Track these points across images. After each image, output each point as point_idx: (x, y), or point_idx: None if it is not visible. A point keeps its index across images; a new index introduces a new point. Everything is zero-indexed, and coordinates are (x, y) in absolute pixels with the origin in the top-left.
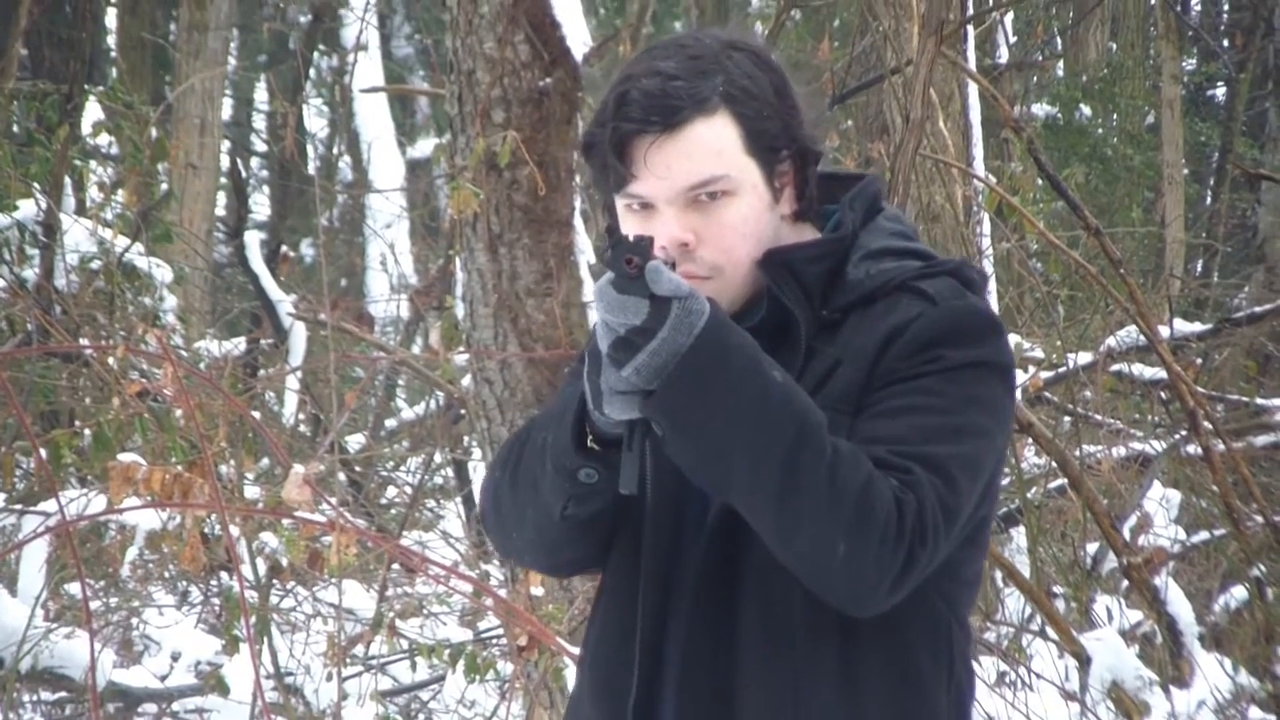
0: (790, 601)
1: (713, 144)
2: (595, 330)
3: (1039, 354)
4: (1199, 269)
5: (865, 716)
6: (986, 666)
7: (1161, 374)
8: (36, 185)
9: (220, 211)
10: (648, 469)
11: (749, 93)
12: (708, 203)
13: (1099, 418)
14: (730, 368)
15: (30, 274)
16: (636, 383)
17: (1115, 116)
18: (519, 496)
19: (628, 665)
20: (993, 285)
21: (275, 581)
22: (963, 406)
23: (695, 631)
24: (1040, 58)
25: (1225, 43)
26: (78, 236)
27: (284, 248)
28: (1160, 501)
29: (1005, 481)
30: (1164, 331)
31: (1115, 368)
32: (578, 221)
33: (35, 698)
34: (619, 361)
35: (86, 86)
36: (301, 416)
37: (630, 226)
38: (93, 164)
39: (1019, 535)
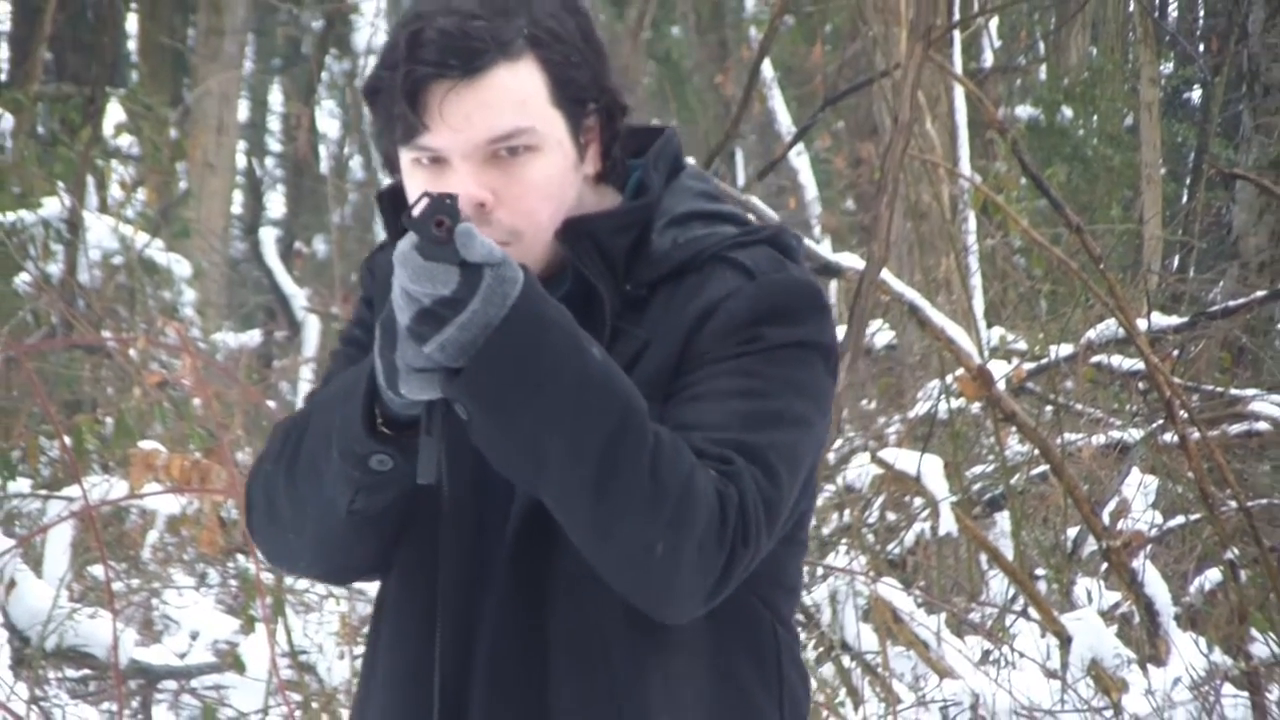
0: (606, 609)
1: (516, 93)
2: (391, 300)
3: (1022, 346)
4: (1176, 265)
5: None
6: (971, 645)
7: (1139, 365)
8: (61, 184)
9: (236, 209)
10: (447, 457)
11: (556, 36)
12: (508, 159)
13: (1079, 407)
14: (546, 344)
15: (55, 269)
16: (440, 360)
17: (1095, 118)
18: (298, 491)
19: (426, 687)
20: (978, 280)
21: None
22: (783, 391)
23: (501, 645)
24: (1023, 62)
25: (1201, 48)
26: (100, 233)
27: (297, 244)
28: (1138, 487)
29: (990, 469)
30: (1142, 325)
31: (1095, 359)
32: None
33: (60, 674)
34: (422, 336)
35: (108, 89)
36: None
37: (418, 183)
38: (114, 164)
39: (1003, 520)
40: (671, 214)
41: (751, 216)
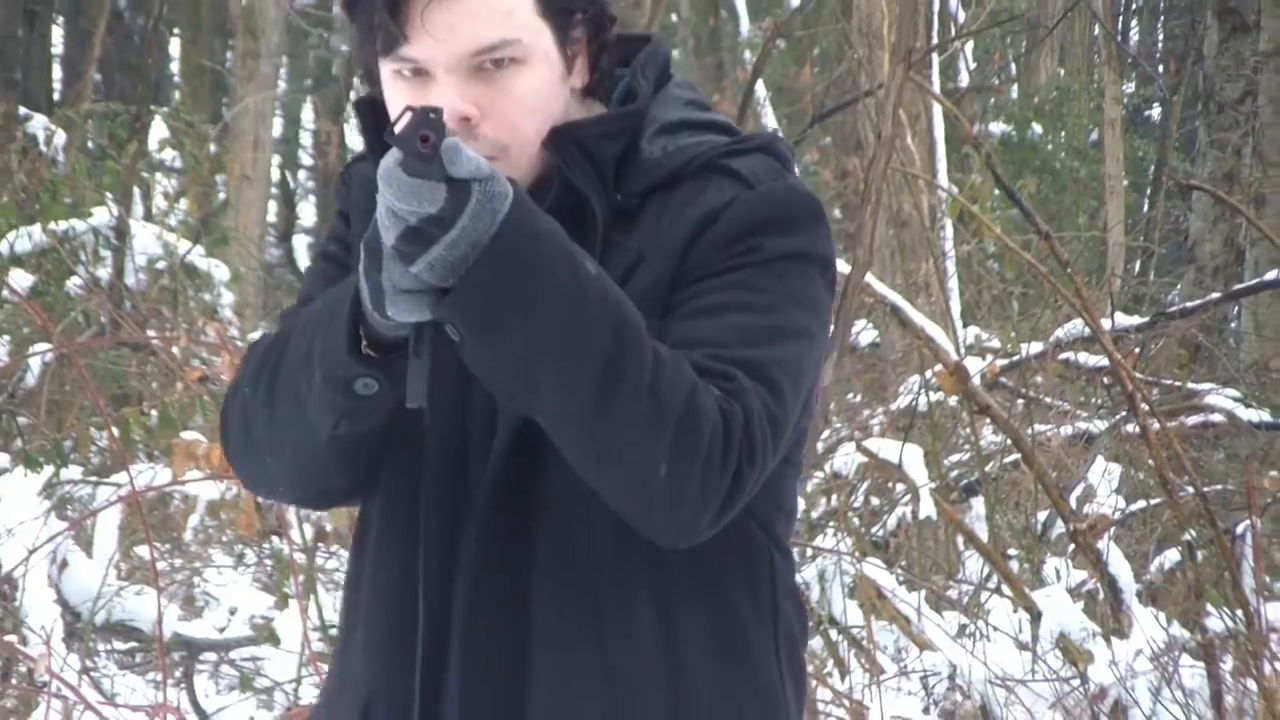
0: (594, 534)
1: (502, 3)
2: (375, 220)
3: (995, 344)
4: (1137, 269)
5: (684, 666)
6: (949, 620)
7: (1104, 362)
8: (109, 195)
9: (271, 218)
10: (434, 380)
11: None
12: (493, 71)
13: (1049, 400)
14: (539, 261)
15: (104, 273)
16: (429, 280)
17: (1063, 134)
18: (277, 416)
19: (410, 617)
20: (955, 283)
21: (321, 544)
22: (785, 304)
23: (483, 570)
24: (996, 82)
25: (1160, 69)
26: (145, 240)
27: None
28: (1103, 474)
29: (966, 457)
30: (1106, 324)
31: (1063, 356)
32: None
33: (109, 647)
34: (409, 256)
35: (152, 108)
36: None
37: (399, 97)
38: (158, 176)
39: (978, 504)
40: (661, 121)
41: None
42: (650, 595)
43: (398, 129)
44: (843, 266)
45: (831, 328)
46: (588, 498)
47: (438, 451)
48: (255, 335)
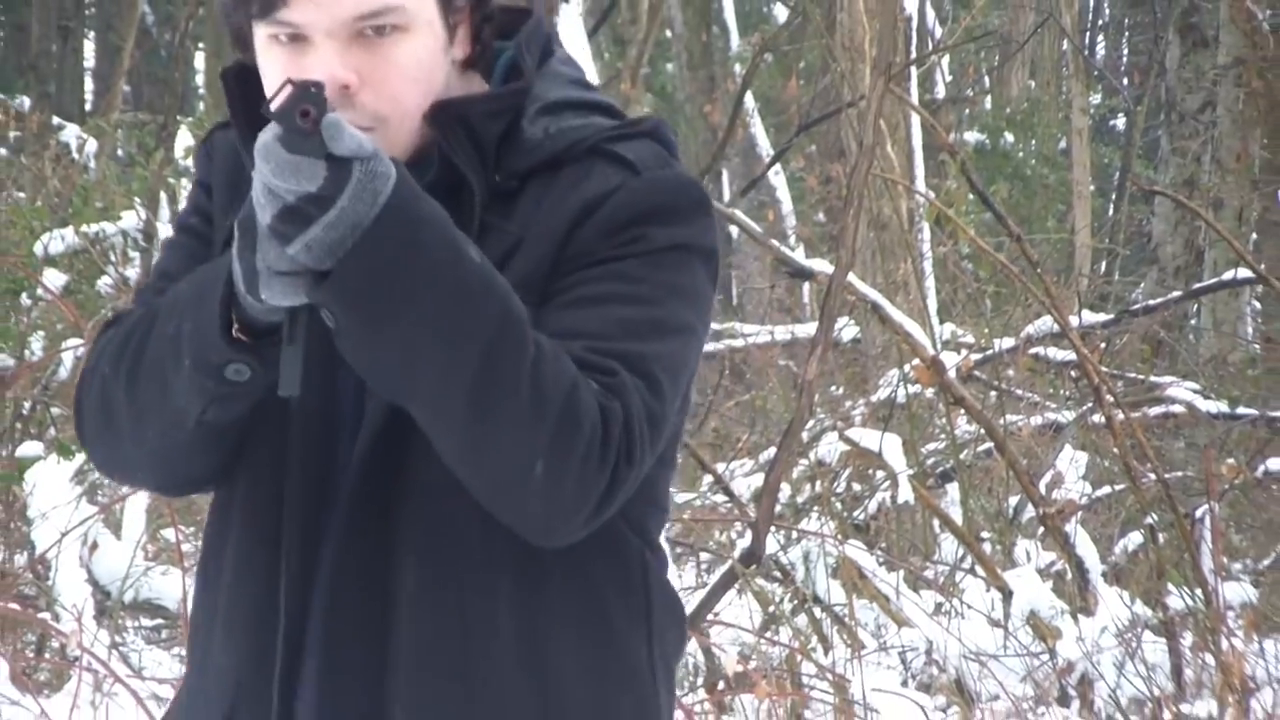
0: (461, 528)
1: None
2: (251, 198)
3: (970, 339)
4: (1103, 269)
5: (549, 660)
6: (926, 598)
7: (1071, 356)
8: (137, 199)
9: None
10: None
11: None
12: (374, 38)
13: (1019, 393)
14: (420, 245)
15: (132, 273)
16: (306, 261)
17: (1033, 142)
18: (139, 399)
19: (271, 618)
20: (931, 282)
21: None
22: (667, 297)
23: (346, 558)
24: (971, 93)
25: (1125, 81)
26: None
27: None
28: (1070, 462)
29: (942, 446)
30: (1074, 321)
31: (1033, 351)
32: None
33: (137, 623)
34: (285, 236)
35: (178, 117)
36: None
37: (275, 63)
38: (184, 182)
39: (953, 490)
40: (543, 100)
41: (734, 230)
42: (516, 589)
43: (276, 103)
44: (826, 266)
45: (823, 321)
46: (456, 490)
47: (303, 438)
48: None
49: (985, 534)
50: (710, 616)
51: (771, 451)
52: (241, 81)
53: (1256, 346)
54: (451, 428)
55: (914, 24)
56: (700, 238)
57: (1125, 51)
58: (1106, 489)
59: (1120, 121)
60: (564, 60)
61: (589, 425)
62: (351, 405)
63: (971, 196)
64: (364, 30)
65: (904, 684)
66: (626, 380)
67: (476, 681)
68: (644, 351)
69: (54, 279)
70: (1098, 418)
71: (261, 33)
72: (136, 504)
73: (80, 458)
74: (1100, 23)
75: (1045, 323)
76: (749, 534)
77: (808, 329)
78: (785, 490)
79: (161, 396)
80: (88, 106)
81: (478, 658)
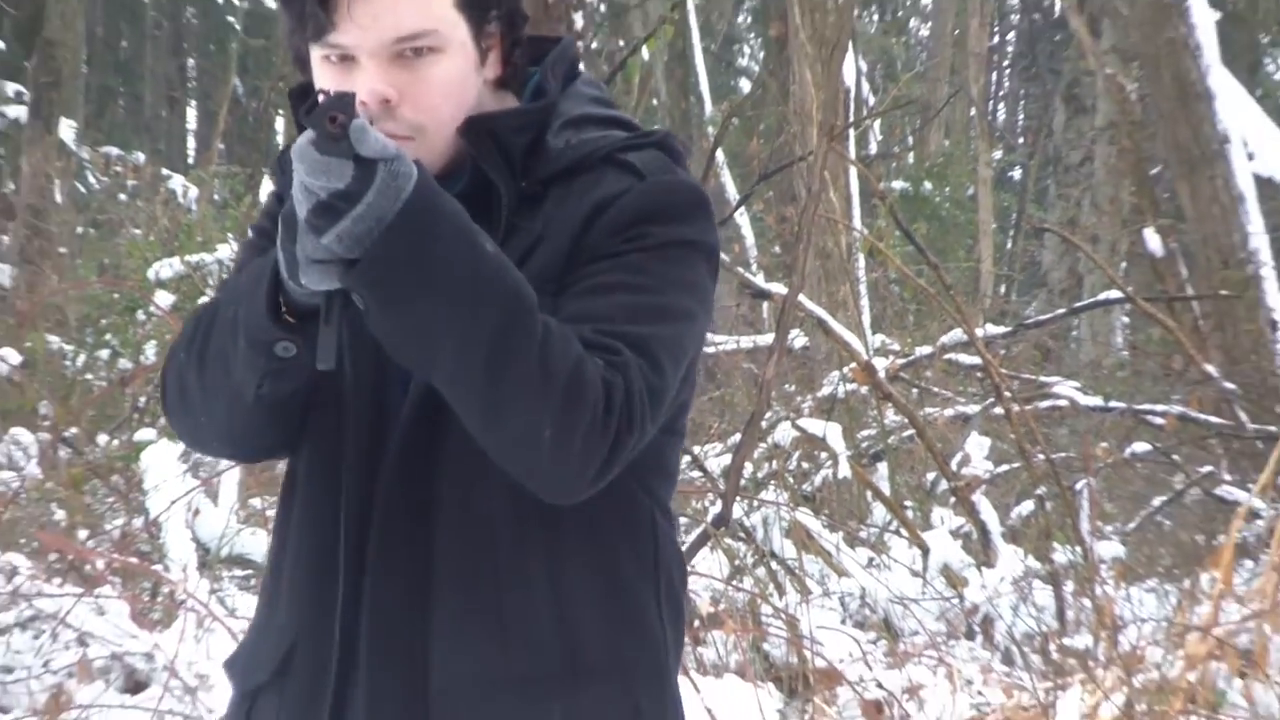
0: (492, 489)
1: None
2: (291, 195)
3: (896, 347)
4: (1003, 291)
5: (571, 609)
6: (860, 554)
7: (977, 361)
8: (230, 235)
9: None
10: (345, 344)
11: None
12: (413, 58)
13: (936, 390)
14: (440, 236)
15: None
16: (338, 251)
17: (947, 189)
18: (208, 378)
19: (331, 568)
20: (865, 301)
21: None
22: (668, 287)
23: (392, 519)
24: (897, 150)
25: (1020, 140)
26: None
27: None
28: (976, 445)
29: (873, 432)
30: (979, 332)
31: (947, 356)
32: None
33: (230, 574)
34: (319, 228)
35: (263, 169)
36: None
37: (327, 80)
38: None
39: (883, 468)
40: (567, 116)
41: None
42: (542, 546)
43: (311, 110)
44: (781, 288)
45: (714, 312)
46: (486, 455)
47: (356, 412)
48: None
49: (908, 503)
50: (688, 569)
51: (737, 437)
52: (302, 99)
53: (1125, 353)
54: (469, 398)
55: (852, 94)
56: (700, 235)
57: (1021, 116)
58: (1005, 466)
59: (1017, 172)
60: (587, 82)
61: (592, 396)
62: (399, 382)
63: (898, 233)
64: (404, 51)
65: (842, 622)
66: (629, 358)
67: (509, 629)
68: (646, 333)
69: (164, 299)
70: (998, 410)
71: (316, 54)
72: (230, 478)
73: None
74: (1001, 93)
75: (956, 334)
76: (719, 503)
77: (766, 339)
78: (748, 468)
79: (225, 374)
80: (190, 160)
81: (508, 601)
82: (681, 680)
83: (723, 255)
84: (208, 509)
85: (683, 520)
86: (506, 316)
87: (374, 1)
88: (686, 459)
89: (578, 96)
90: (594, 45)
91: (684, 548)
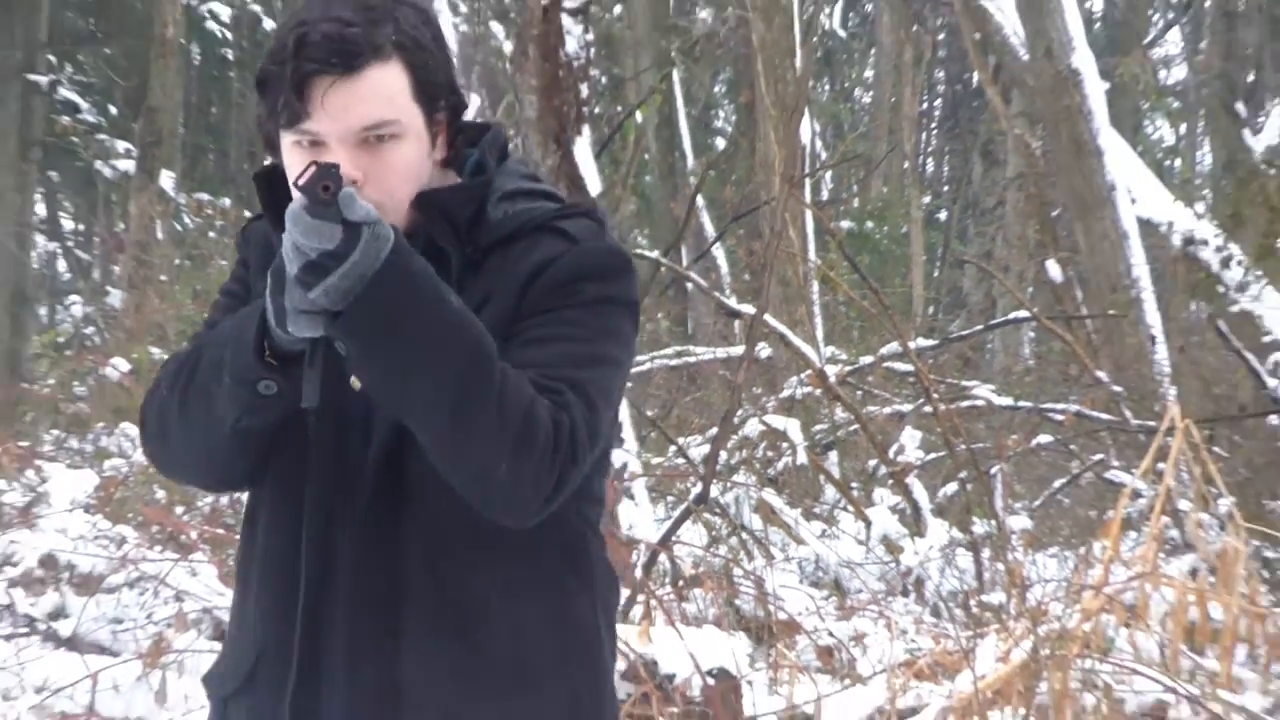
0: (452, 514)
1: (386, 89)
2: (281, 252)
3: (844, 357)
4: (931, 311)
5: (521, 615)
6: (815, 527)
7: (910, 368)
8: None
9: None
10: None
11: (418, 43)
12: (376, 144)
13: (877, 392)
14: (413, 292)
15: None
16: (324, 303)
17: (886, 228)
18: (189, 412)
19: (293, 588)
20: (819, 320)
21: None
22: (599, 337)
23: (365, 544)
24: (845, 195)
25: (945, 188)
26: None
27: None
28: (910, 437)
29: (826, 427)
30: (912, 345)
31: (885, 365)
32: None
33: None
34: (308, 284)
35: None
36: None
37: (297, 162)
38: None
39: (834, 456)
40: (502, 190)
41: (690, 285)
42: (493, 562)
43: (303, 180)
44: (750, 309)
45: (641, 348)
46: (447, 485)
47: (319, 445)
48: None
49: (854, 484)
50: (674, 538)
51: (714, 431)
52: (269, 181)
53: (1031, 362)
54: (437, 434)
55: (807, 150)
56: (624, 293)
57: (946, 168)
58: (933, 455)
59: (943, 214)
60: (518, 160)
61: (543, 435)
62: (361, 418)
63: (845, 264)
64: (369, 138)
65: (800, 582)
66: (570, 399)
67: (471, 634)
68: (583, 378)
69: None
70: (927, 408)
71: (287, 139)
72: None
73: None
74: (929, 149)
75: (893, 346)
76: (699, 484)
77: (737, 350)
78: (723, 456)
79: (206, 408)
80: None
81: (469, 615)
82: (668, 629)
83: (704, 282)
84: None
85: (668, 498)
86: (469, 362)
87: (345, 94)
88: (673, 449)
89: (511, 173)
90: (596, 110)
91: (672, 521)
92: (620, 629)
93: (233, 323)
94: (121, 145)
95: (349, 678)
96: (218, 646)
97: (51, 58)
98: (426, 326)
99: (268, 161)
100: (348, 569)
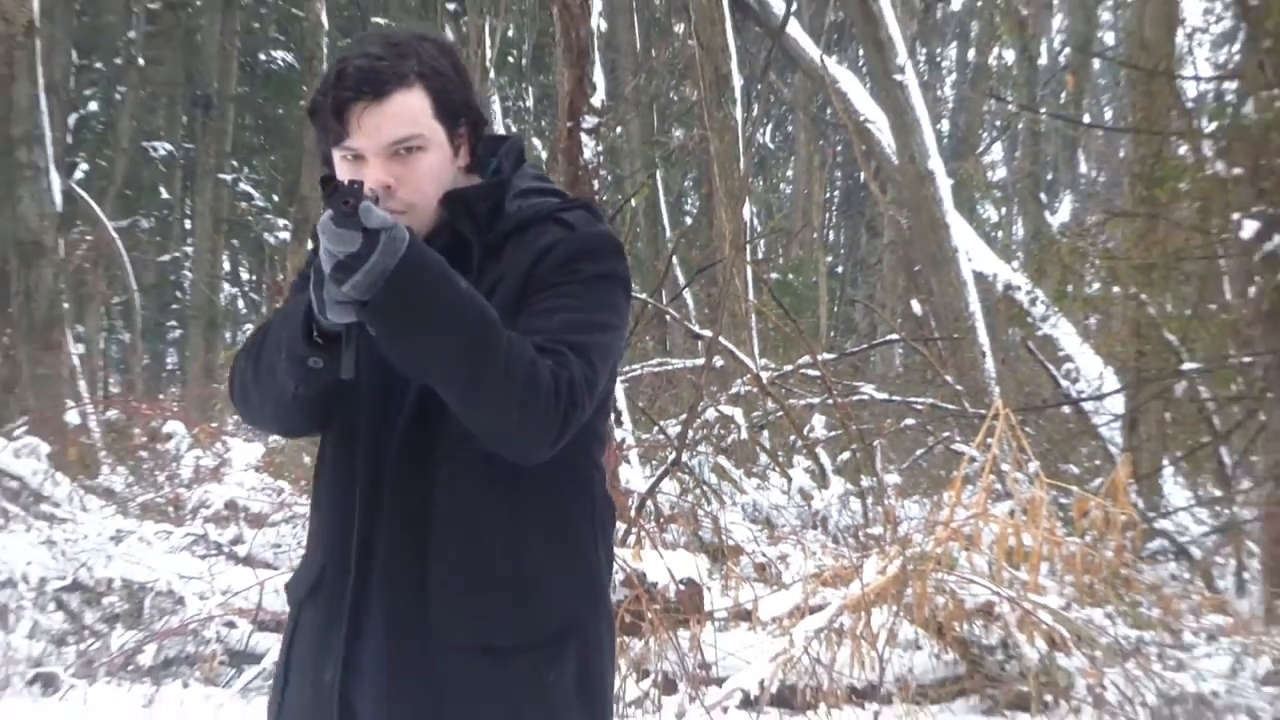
0: (474, 459)
1: (410, 110)
2: (319, 254)
3: (773, 366)
4: (833, 335)
5: (529, 539)
6: (753, 482)
7: (818, 374)
8: None
9: None
10: (362, 359)
11: (438, 71)
12: (406, 155)
13: (796, 390)
14: (427, 281)
15: None
16: (353, 295)
17: (801, 278)
18: (261, 379)
19: (350, 513)
20: (755, 339)
21: None
22: (597, 307)
23: (401, 481)
24: (773, 256)
25: (842, 250)
26: None
27: None
28: (818, 421)
29: (760, 414)
30: (820, 358)
31: (803, 372)
32: None
33: None
34: (339, 280)
35: None
36: None
37: (345, 172)
38: None
39: (766, 434)
40: (518, 189)
41: (668, 317)
42: (508, 495)
43: (329, 196)
44: (709, 333)
45: (630, 333)
46: (469, 437)
47: (368, 406)
48: None
49: (780, 453)
50: (657, 490)
51: (684, 416)
52: (328, 185)
53: (901, 369)
54: (454, 395)
55: (748, 225)
56: (616, 270)
57: (843, 237)
58: (835, 432)
59: (840, 269)
60: (531, 165)
61: (545, 387)
62: (399, 383)
63: (773, 302)
64: (398, 150)
65: (743, 520)
66: (570, 358)
67: (487, 553)
68: (582, 340)
69: None
70: (830, 401)
71: (336, 154)
72: None
73: None
74: (831, 225)
75: (806, 359)
76: (674, 453)
77: (699, 361)
78: (690, 433)
79: (271, 377)
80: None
81: (487, 539)
82: (652, 552)
83: (675, 313)
84: None
85: (653, 462)
86: (478, 335)
87: (376, 116)
88: (655, 428)
89: (525, 175)
90: (603, 199)
91: (654, 478)
92: (618, 551)
93: (291, 308)
94: (281, 221)
95: (388, 581)
96: None
97: (234, 162)
98: (439, 309)
99: (324, 173)
100: (391, 502)
